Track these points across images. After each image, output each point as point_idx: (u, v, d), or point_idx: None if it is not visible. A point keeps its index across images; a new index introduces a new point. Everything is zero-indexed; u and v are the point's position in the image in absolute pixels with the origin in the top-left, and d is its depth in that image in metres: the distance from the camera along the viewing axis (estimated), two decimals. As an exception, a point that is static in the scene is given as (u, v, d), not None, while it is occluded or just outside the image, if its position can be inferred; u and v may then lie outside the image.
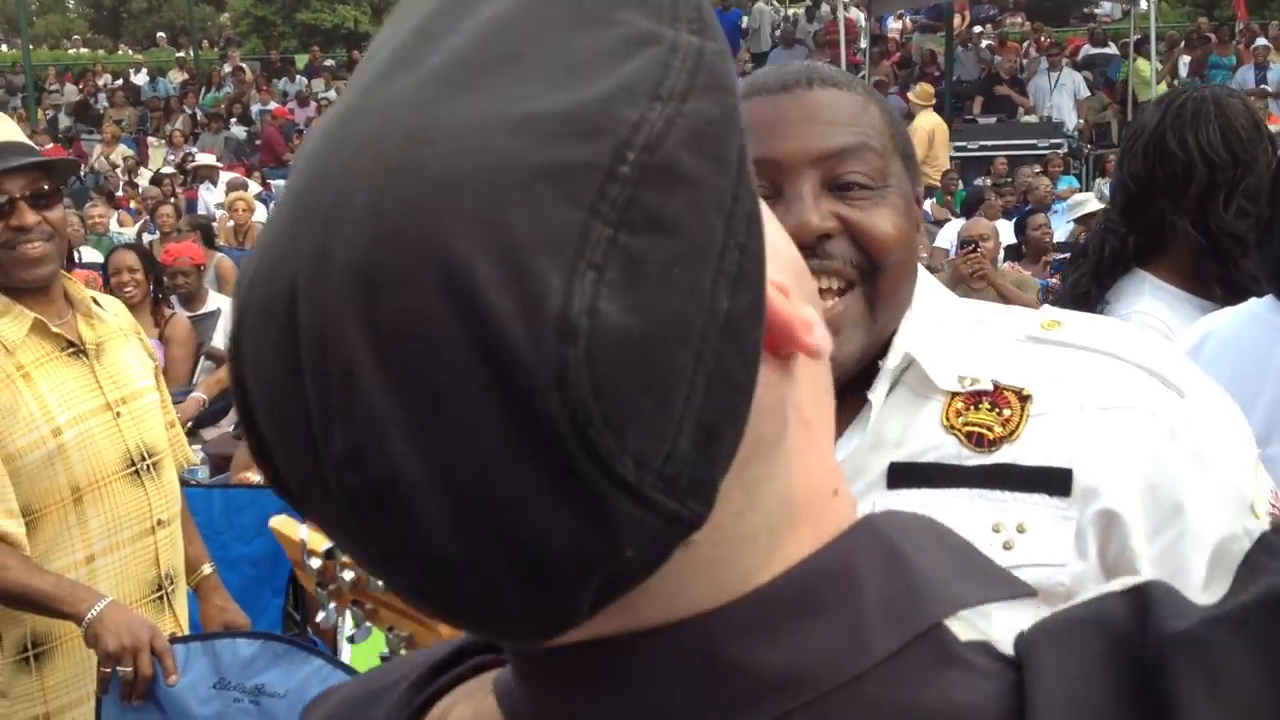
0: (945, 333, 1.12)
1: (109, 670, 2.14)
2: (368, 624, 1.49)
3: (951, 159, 13.03)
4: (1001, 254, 7.01)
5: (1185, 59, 15.90)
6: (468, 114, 0.42)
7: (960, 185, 12.02)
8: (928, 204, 10.38)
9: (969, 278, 5.57)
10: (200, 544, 2.68)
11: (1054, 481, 1.02)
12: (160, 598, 2.47)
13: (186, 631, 2.52)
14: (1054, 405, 1.05)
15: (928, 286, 1.15)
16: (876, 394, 1.09)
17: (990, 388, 1.07)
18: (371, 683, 0.61)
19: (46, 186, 2.35)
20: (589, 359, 0.40)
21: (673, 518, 0.43)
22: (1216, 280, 2.13)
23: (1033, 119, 14.75)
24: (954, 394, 1.08)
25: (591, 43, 0.44)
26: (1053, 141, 13.44)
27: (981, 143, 13.73)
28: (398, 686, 0.59)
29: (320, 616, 1.53)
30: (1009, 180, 11.23)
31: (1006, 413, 1.06)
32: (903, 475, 1.07)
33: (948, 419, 1.08)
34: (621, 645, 0.48)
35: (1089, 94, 15.25)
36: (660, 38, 0.44)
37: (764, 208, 0.47)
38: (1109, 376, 1.05)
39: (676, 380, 0.41)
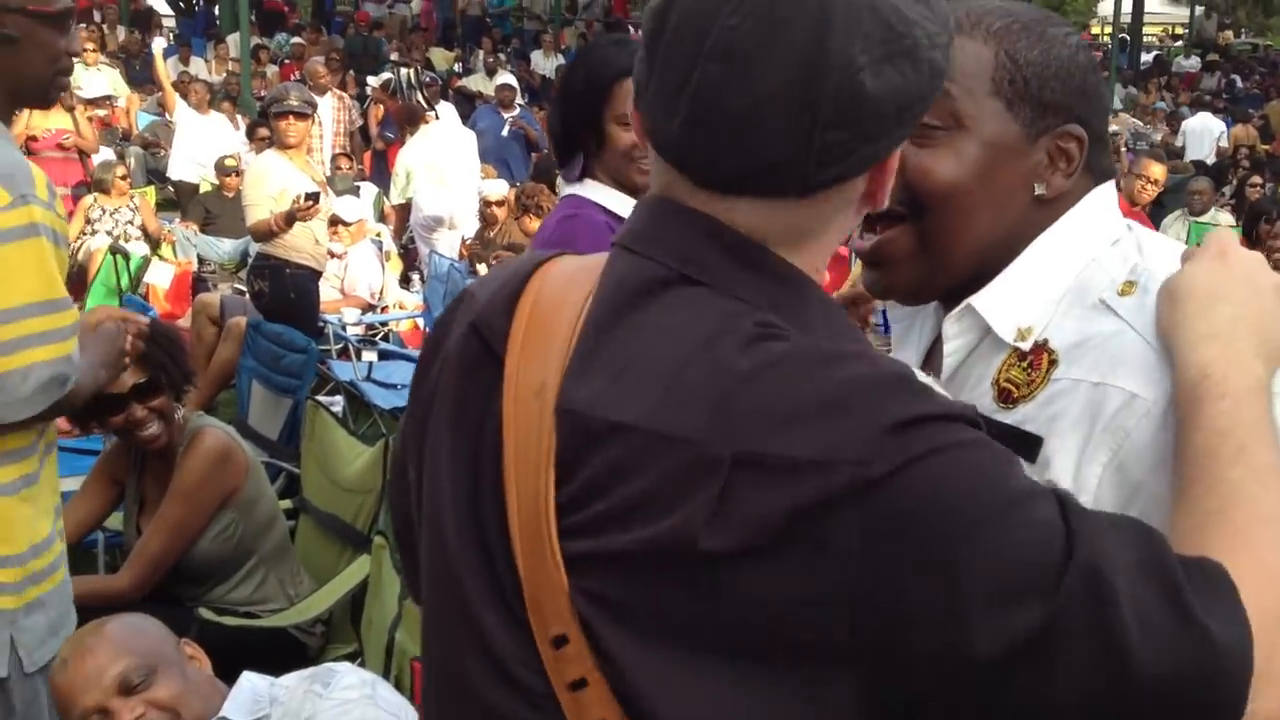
0: (1033, 280, 1.09)
1: None
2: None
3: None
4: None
5: None
6: None
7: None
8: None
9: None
10: None
11: (1025, 446, 1.01)
12: None
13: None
14: (1070, 374, 1.04)
15: (1073, 222, 1.10)
16: (950, 344, 1.12)
17: (1040, 342, 1.07)
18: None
19: None
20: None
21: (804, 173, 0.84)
22: None
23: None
24: (1016, 348, 1.08)
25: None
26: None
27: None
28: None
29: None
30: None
31: (1033, 373, 1.06)
32: None
33: (999, 370, 1.09)
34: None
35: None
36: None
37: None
38: (1135, 361, 1.02)
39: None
